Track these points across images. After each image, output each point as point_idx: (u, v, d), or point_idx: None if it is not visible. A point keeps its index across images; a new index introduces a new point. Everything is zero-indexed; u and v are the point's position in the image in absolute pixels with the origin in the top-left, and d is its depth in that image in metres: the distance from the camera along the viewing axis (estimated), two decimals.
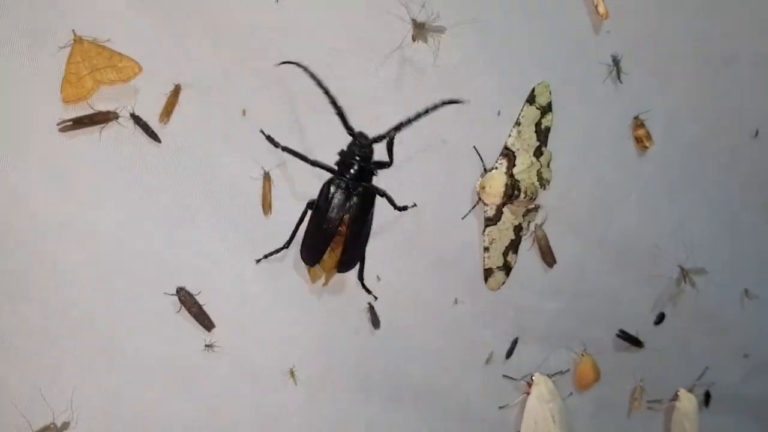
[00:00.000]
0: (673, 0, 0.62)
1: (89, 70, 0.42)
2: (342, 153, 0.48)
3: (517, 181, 0.57)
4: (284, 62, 0.45)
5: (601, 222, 0.64)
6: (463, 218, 0.58)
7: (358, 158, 0.47)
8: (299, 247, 0.50)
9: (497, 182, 0.57)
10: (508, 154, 0.58)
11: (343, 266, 0.50)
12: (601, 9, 0.58)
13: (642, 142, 0.63)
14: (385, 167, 0.48)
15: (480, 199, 0.57)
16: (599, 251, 0.64)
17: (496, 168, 0.57)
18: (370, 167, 0.48)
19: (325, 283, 0.50)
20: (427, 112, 0.45)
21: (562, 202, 0.61)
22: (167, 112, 0.46)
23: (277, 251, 0.51)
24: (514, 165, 0.58)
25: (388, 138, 0.47)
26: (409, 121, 0.45)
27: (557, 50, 0.58)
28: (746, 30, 0.66)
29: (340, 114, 0.45)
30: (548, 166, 0.60)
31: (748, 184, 0.69)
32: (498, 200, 0.57)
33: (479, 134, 0.57)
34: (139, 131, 0.45)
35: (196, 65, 0.47)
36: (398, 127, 0.46)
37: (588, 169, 0.62)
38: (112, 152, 0.45)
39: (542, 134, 0.59)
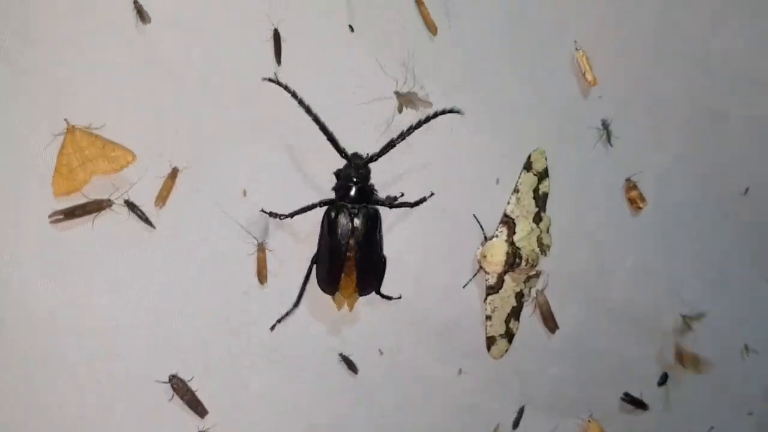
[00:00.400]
0: (661, 60, 0.63)
1: (81, 161, 0.41)
2: (338, 176, 0.47)
3: (518, 248, 0.57)
4: (268, 79, 0.42)
5: (600, 283, 0.64)
6: (464, 287, 0.57)
7: (355, 180, 0.46)
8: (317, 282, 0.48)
9: (498, 251, 0.56)
10: (508, 222, 0.57)
11: (361, 289, 0.48)
12: (589, 76, 0.59)
13: (636, 203, 0.63)
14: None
15: (481, 267, 0.57)
16: (600, 312, 0.64)
17: (497, 236, 0.57)
18: (369, 187, 0.47)
19: (350, 309, 0.49)
20: (420, 124, 0.44)
21: (561, 266, 0.61)
22: (163, 196, 0.45)
23: (288, 313, 0.50)
24: (515, 232, 0.57)
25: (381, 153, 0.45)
26: (402, 136, 0.44)
27: (549, 117, 0.59)
28: (736, 87, 0.67)
29: (331, 138, 0.44)
30: (548, 231, 0.59)
31: (741, 240, 0.70)
32: (499, 269, 0.56)
33: (479, 202, 0.57)
34: (133, 217, 0.44)
35: (192, 147, 0.46)
36: (391, 144, 0.44)
37: (585, 232, 0.62)
38: (106, 239, 0.44)
39: (540, 200, 0.59)
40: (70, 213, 0.42)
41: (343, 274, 0.47)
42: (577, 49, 0.60)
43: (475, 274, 0.57)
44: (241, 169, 0.49)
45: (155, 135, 0.45)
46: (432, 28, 0.53)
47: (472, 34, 0.55)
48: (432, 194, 0.49)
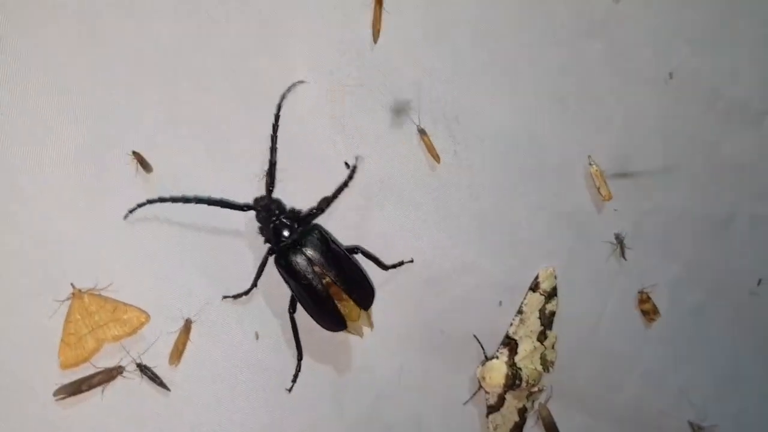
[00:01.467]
0: (671, 171, 0.62)
1: (90, 328, 0.42)
2: (261, 228, 0.46)
3: (519, 369, 0.57)
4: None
5: (608, 393, 0.63)
6: (464, 404, 0.58)
7: (273, 218, 0.45)
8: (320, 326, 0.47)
9: (497, 374, 0.56)
10: (510, 343, 0.57)
11: (363, 302, 0.47)
12: (604, 191, 0.58)
13: (649, 314, 0.62)
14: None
15: (481, 386, 0.57)
16: (605, 422, 0.63)
17: (497, 357, 0.57)
18: (291, 213, 0.46)
19: (371, 327, 0.48)
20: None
21: (567, 379, 0.60)
22: (178, 353, 0.45)
23: (299, 371, 0.49)
24: (516, 353, 0.57)
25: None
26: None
27: (561, 234, 0.58)
28: (743, 191, 0.65)
29: (221, 203, 0.44)
30: (553, 347, 0.59)
31: (751, 339, 0.68)
32: (499, 390, 0.57)
33: (480, 323, 0.57)
34: (146, 381, 0.44)
35: (203, 297, 0.47)
36: (272, 164, 0.44)
37: (594, 345, 0.61)
38: (116, 409, 0.44)
39: (546, 318, 0.58)
40: (77, 389, 0.41)
41: (337, 304, 0.45)
42: (590, 164, 0.58)
43: (475, 393, 0.57)
44: (253, 313, 0.49)
45: (163, 289, 0.46)
46: (435, 158, 0.53)
47: (479, 159, 0.55)
48: (411, 260, 0.51)
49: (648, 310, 0.62)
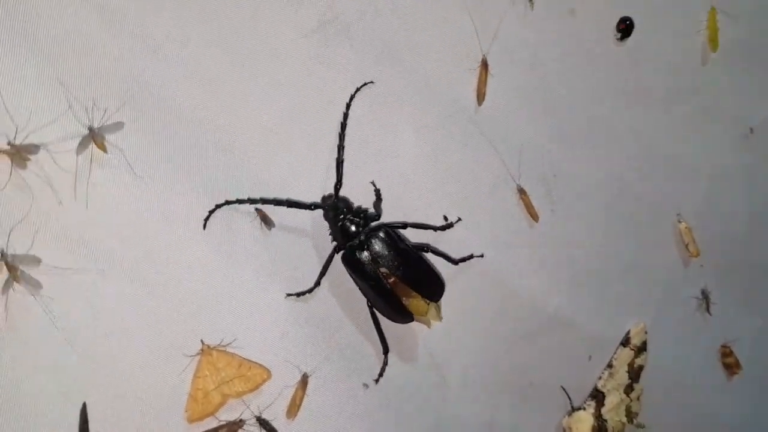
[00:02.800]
0: (754, 226, 0.63)
1: (217, 384, 0.44)
2: (332, 228, 0.46)
3: (605, 421, 0.58)
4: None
5: None
6: None
7: (341, 216, 0.45)
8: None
9: (584, 425, 0.57)
10: (597, 396, 0.58)
11: (430, 296, 0.47)
12: (692, 248, 0.59)
13: (731, 368, 0.63)
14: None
15: None
16: None
17: (584, 409, 0.58)
18: (357, 211, 0.46)
19: (439, 319, 0.47)
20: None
21: (652, 428, 0.61)
22: (295, 407, 0.46)
23: (385, 365, 0.49)
24: (603, 405, 0.58)
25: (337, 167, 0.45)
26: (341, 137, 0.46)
27: (650, 289, 0.60)
28: None
29: (291, 203, 0.45)
30: (638, 399, 0.60)
31: None
32: None
33: (568, 376, 0.58)
34: None
35: (319, 353, 0.49)
36: (340, 161, 0.45)
37: (678, 398, 0.62)
38: None
39: (634, 372, 0.59)
40: None
41: (403, 300, 0.46)
42: (679, 221, 0.59)
43: None
44: (361, 365, 0.50)
45: (283, 345, 0.48)
46: (534, 217, 0.54)
47: (574, 216, 0.56)
48: (459, 219, 0.50)
49: (730, 364, 0.63)
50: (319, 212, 0.47)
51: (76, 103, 0.42)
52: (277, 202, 0.45)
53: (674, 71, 0.58)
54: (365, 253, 0.45)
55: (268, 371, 0.45)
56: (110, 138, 0.42)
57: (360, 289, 0.47)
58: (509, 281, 0.55)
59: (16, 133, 0.40)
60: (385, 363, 0.49)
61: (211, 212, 0.45)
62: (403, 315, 0.47)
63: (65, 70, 0.42)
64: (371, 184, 0.49)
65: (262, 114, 0.47)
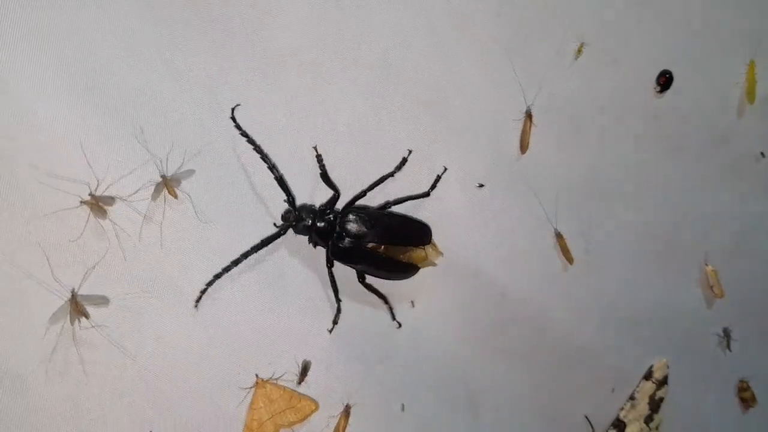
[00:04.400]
0: None
1: (270, 414, 0.47)
2: (309, 237, 0.47)
3: None
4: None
5: None
6: None
7: (311, 222, 0.46)
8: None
9: None
10: (619, 425, 0.61)
11: (423, 240, 0.48)
12: (717, 290, 0.61)
13: (747, 402, 0.66)
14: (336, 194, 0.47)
15: None
16: None
17: None
18: (324, 209, 0.47)
19: (439, 254, 0.49)
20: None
21: None
22: None
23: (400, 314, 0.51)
24: None
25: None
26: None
27: (674, 326, 0.62)
28: None
29: (264, 243, 0.45)
30: (657, 429, 0.63)
31: None
32: None
33: (592, 407, 0.61)
34: None
35: (358, 381, 0.52)
36: (280, 181, 0.45)
37: (696, 428, 0.65)
38: None
39: (655, 404, 0.62)
40: None
41: (402, 258, 0.47)
42: (706, 264, 0.61)
43: None
44: (398, 389, 0.54)
45: (326, 377, 0.51)
46: (569, 260, 0.57)
47: (606, 258, 0.59)
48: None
49: (747, 398, 0.65)
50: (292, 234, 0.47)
51: (149, 152, 0.45)
52: (256, 248, 0.45)
53: (711, 122, 0.59)
54: (346, 240, 0.46)
55: (316, 403, 0.49)
56: (181, 185, 0.46)
57: (360, 270, 0.48)
58: (541, 317, 0.58)
59: (97, 184, 0.43)
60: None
61: (203, 292, 0.46)
62: (409, 269, 0.48)
63: (138, 123, 0.44)
64: (315, 157, 0.48)
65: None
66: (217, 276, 0.46)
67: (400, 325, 0.53)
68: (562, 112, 0.55)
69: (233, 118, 0.45)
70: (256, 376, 0.48)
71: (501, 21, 0.52)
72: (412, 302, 0.54)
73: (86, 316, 0.43)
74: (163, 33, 0.45)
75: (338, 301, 0.49)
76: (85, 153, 0.42)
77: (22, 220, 0.43)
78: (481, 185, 0.54)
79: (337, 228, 0.46)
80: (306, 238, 0.47)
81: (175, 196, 0.44)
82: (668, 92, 0.57)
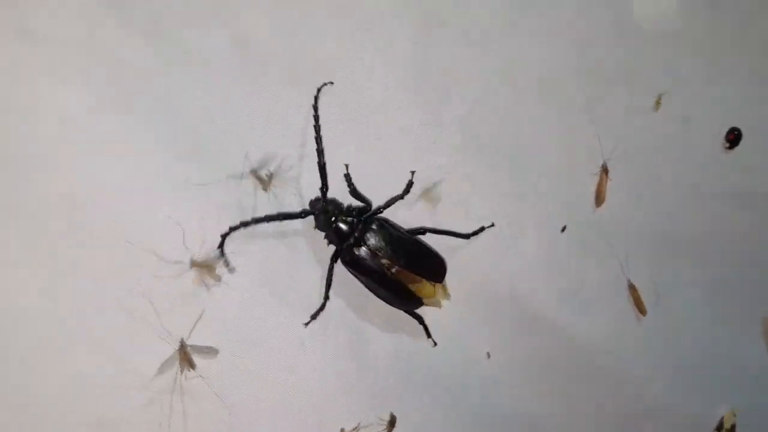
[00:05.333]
0: None
1: None
2: (326, 232, 0.45)
3: None
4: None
5: None
6: None
7: (334, 218, 0.45)
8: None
9: None
10: None
11: (436, 276, 0.47)
12: None
13: None
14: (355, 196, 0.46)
15: None
16: None
17: None
18: (348, 210, 0.46)
19: (447, 297, 0.48)
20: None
21: None
22: None
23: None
24: None
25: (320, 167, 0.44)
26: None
27: (741, 378, 0.63)
28: None
29: (281, 216, 0.44)
30: None
31: None
32: None
33: None
34: None
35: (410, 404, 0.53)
36: (321, 166, 0.44)
37: None
38: None
39: None
40: None
41: (410, 286, 0.45)
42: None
43: None
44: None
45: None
46: (642, 311, 0.58)
47: (677, 309, 0.59)
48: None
49: None
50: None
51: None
52: (270, 218, 0.44)
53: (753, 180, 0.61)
54: (363, 249, 0.45)
55: None
56: None
57: (364, 285, 0.47)
58: (613, 368, 0.58)
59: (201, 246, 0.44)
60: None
61: (223, 239, 0.44)
62: (413, 301, 0.47)
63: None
64: (344, 177, 0.47)
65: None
66: (225, 234, 0.44)
67: (434, 343, 0.51)
68: (637, 165, 0.57)
69: (316, 97, 0.44)
70: (342, 430, 0.50)
71: (580, 78, 0.54)
72: (488, 353, 0.55)
73: (193, 366, 0.43)
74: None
75: (326, 298, 0.47)
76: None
77: (132, 276, 0.44)
78: (564, 228, 0.55)
79: (357, 234, 0.45)
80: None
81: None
82: (737, 148, 0.59)
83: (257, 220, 0.44)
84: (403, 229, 0.47)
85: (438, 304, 0.48)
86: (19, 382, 0.43)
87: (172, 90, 0.45)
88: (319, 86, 0.46)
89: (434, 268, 0.47)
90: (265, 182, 0.46)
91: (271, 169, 0.47)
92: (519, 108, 0.53)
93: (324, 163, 0.44)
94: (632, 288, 0.57)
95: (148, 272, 0.44)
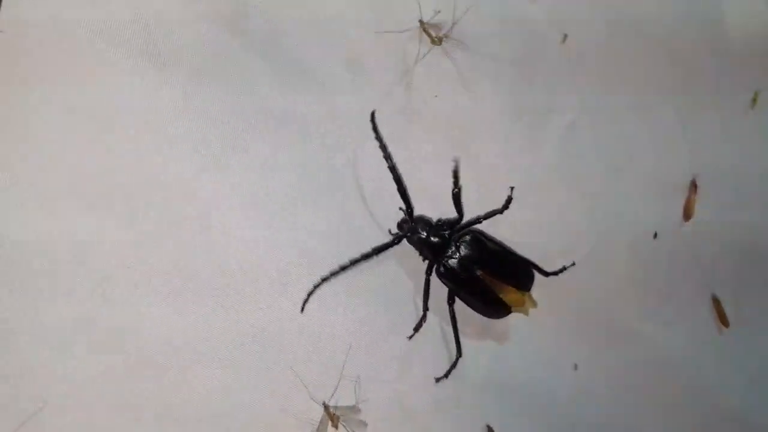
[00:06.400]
0: None
1: None
2: (420, 249, 0.46)
3: None
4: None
5: None
6: None
7: (425, 235, 0.45)
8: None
9: None
10: None
11: (523, 285, 0.47)
12: None
13: None
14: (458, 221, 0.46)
15: None
16: None
17: None
18: (441, 225, 0.46)
19: (533, 305, 0.48)
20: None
21: None
22: None
23: (454, 365, 0.49)
24: None
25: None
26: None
27: None
28: None
29: (379, 250, 0.45)
30: None
31: None
32: None
33: None
34: None
35: None
36: (399, 183, 0.45)
37: None
38: None
39: None
40: None
41: (500, 294, 0.46)
42: None
43: None
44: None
45: None
46: (724, 323, 0.58)
47: (759, 322, 0.60)
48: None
49: None
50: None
51: None
52: (366, 256, 0.45)
53: None
54: (459, 262, 0.46)
55: None
56: None
57: (457, 296, 0.48)
58: (696, 379, 0.59)
59: None
60: (454, 365, 0.50)
61: (310, 293, 0.46)
62: (501, 309, 0.48)
63: None
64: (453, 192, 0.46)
65: None
66: (324, 279, 0.46)
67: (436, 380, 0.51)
68: (724, 180, 0.57)
69: (373, 121, 0.45)
70: None
71: (672, 97, 0.55)
72: (575, 365, 0.56)
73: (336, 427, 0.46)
74: None
75: (426, 310, 0.48)
76: None
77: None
78: (656, 234, 0.56)
79: (452, 246, 0.46)
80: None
81: None
82: None
83: (354, 261, 0.45)
84: (497, 240, 0.48)
85: (525, 312, 0.49)
86: None
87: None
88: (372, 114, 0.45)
89: (524, 276, 0.48)
90: None
91: None
92: (613, 124, 0.54)
93: (403, 187, 0.45)
94: (715, 301, 0.58)
95: None
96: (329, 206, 0.49)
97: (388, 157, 0.45)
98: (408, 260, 0.48)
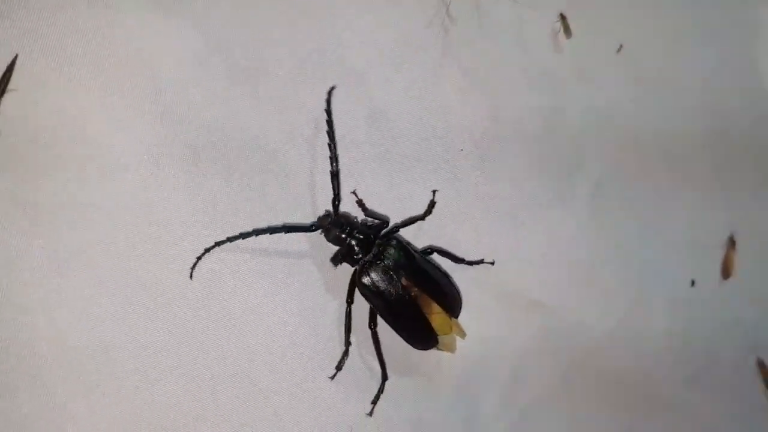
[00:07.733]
0: None
1: None
2: (339, 247, 0.41)
3: None
4: None
5: None
6: None
7: (345, 234, 0.40)
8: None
9: None
10: None
11: (453, 307, 0.42)
12: None
13: None
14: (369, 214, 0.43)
15: None
16: None
17: None
18: (366, 226, 0.42)
19: (462, 336, 0.43)
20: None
21: None
22: None
23: (381, 391, 0.44)
24: None
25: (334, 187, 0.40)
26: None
27: None
28: None
29: (289, 229, 0.40)
30: None
31: None
32: None
33: None
34: None
35: None
36: (335, 176, 0.40)
37: None
38: None
39: None
40: None
41: (428, 313, 0.41)
42: None
43: None
44: None
45: None
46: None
47: None
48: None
49: None
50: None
51: None
52: (273, 230, 0.40)
53: None
54: (381, 267, 0.41)
55: None
56: None
57: (380, 313, 0.42)
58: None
59: None
60: (381, 390, 0.44)
61: (199, 257, 0.41)
62: (429, 335, 0.42)
63: None
64: (353, 194, 0.43)
65: None
66: (218, 243, 0.41)
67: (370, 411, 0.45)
68: (766, 236, 0.55)
69: (328, 100, 0.40)
70: None
71: (706, 151, 0.53)
72: None
73: None
74: None
75: (348, 344, 0.43)
76: None
77: None
78: (693, 282, 0.53)
79: (375, 249, 0.41)
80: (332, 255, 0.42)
81: None
82: None
83: (258, 232, 0.41)
84: (419, 251, 0.43)
85: (452, 346, 0.44)
86: None
87: None
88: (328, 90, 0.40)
89: (451, 297, 0.43)
90: None
91: None
92: (646, 179, 0.52)
93: (337, 171, 0.40)
94: (761, 365, 0.55)
95: None
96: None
97: (331, 135, 0.40)
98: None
